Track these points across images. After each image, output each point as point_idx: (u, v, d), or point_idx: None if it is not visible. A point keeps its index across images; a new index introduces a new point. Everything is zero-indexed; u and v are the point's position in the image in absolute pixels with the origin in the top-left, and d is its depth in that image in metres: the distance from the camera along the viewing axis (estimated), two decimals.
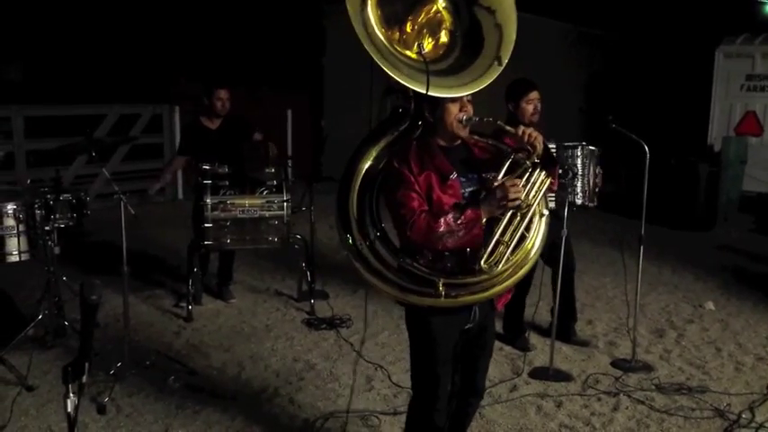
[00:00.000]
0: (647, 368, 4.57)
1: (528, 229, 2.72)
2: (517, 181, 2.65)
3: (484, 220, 2.62)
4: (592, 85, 12.11)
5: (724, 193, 9.21)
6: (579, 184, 4.57)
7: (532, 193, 2.71)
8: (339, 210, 2.79)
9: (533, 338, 4.98)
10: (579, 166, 4.56)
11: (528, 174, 2.72)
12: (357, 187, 2.77)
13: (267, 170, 5.41)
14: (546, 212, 2.80)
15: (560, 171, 4.25)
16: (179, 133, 9.75)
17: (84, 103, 10.28)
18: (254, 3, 12.68)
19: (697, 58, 10.57)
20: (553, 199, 4.33)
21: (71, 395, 2.02)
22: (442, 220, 2.57)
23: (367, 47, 2.48)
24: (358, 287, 6.03)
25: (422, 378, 2.88)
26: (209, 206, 5.18)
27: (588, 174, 4.60)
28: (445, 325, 2.76)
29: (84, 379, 2.05)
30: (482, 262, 2.63)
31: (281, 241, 5.42)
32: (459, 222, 2.58)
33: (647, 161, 4.42)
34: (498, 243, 2.65)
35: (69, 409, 2.02)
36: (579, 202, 4.58)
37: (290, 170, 5.71)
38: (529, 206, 2.69)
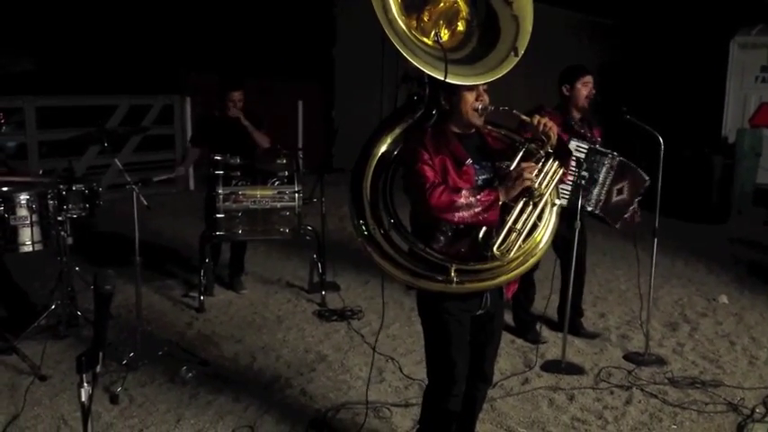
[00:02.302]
0: (660, 362, 4.54)
1: (539, 218, 2.76)
2: (533, 165, 2.70)
3: (501, 201, 2.65)
4: (604, 75, 12.00)
5: (738, 186, 9.14)
6: (595, 191, 4.45)
7: (545, 181, 2.75)
8: (352, 194, 2.81)
9: (545, 331, 4.96)
10: (602, 174, 4.43)
11: (541, 163, 2.76)
12: (371, 172, 2.79)
13: (279, 161, 5.40)
14: (558, 203, 2.85)
15: (584, 174, 4.23)
16: (190, 124, 9.78)
17: (95, 94, 10.31)
18: None
19: (711, 48, 10.45)
20: (567, 197, 4.31)
21: (85, 384, 2.02)
22: (463, 191, 2.61)
23: (388, 32, 2.50)
24: (369, 279, 6.03)
25: (437, 364, 2.91)
26: (222, 197, 5.18)
27: (608, 185, 4.46)
28: (458, 310, 2.79)
29: (99, 369, 2.05)
30: (494, 248, 2.67)
31: (293, 232, 5.43)
32: (477, 198, 2.61)
33: (662, 153, 4.38)
34: (510, 230, 2.70)
35: (83, 399, 2.02)
36: (590, 208, 4.48)
37: (300, 161, 5.70)
38: (541, 195, 2.73)
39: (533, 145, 2.77)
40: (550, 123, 2.73)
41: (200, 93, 9.79)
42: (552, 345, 4.77)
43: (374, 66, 10.80)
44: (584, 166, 4.27)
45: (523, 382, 4.22)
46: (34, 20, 13.10)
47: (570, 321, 4.62)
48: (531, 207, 2.72)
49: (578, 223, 4.26)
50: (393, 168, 2.85)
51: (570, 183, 4.27)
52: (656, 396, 4.06)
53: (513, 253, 2.70)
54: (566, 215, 4.28)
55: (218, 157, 5.20)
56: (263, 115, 5.75)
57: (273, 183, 5.36)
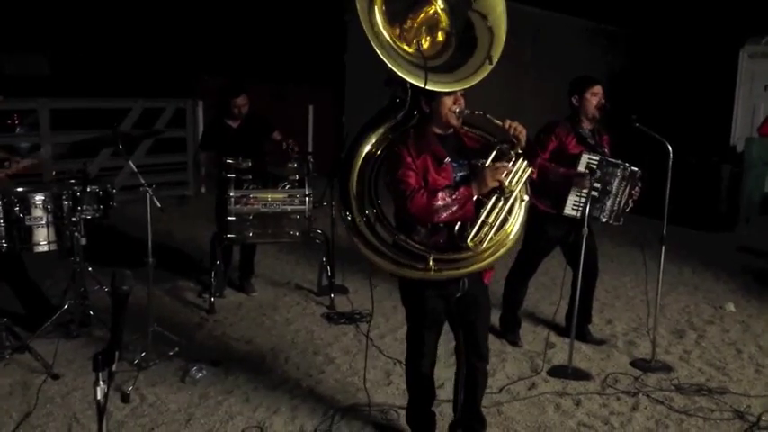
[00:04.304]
0: (667, 368, 4.56)
1: (510, 212, 3.02)
2: (504, 164, 2.96)
3: (475, 197, 2.92)
4: (612, 83, 11.98)
5: (746, 195, 9.13)
6: (609, 203, 4.52)
7: (515, 179, 3.01)
8: (340, 189, 3.08)
9: (553, 337, 4.99)
10: (615, 185, 4.50)
11: (512, 162, 3.01)
12: (357, 168, 3.06)
13: (290, 165, 5.46)
14: (526, 198, 3.10)
15: (596, 185, 4.28)
16: (202, 128, 9.85)
17: (109, 97, 10.40)
18: None
19: (721, 57, 10.45)
20: (578, 208, 4.36)
21: (101, 383, 2.08)
22: (439, 194, 2.88)
23: (373, 43, 2.73)
24: (377, 282, 6.06)
25: (412, 339, 3.33)
26: (233, 200, 5.24)
27: (621, 195, 4.54)
28: (436, 295, 3.12)
29: (114, 367, 2.10)
30: (468, 240, 2.94)
31: (303, 236, 5.48)
32: (453, 198, 2.87)
33: (670, 161, 4.40)
34: (483, 224, 2.96)
35: (99, 397, 2.08)
36: (604, 219, 4.55)
37: (311, 165, 5.76)
38: (512, 191, 2.98)
39: (505, 145, 3.01)
40: (520, 127, 2.96)
41: (212, 97, 9.85)
42: (559, 350, 4.80)
43: (384, 72, 10.83)
44: (597, 174, 4.31)
45: (530, 387, 4.25)
46: (49, 23, 13.22)
47: (578, 327, 4.65)
48: (501, 202, 2.97)
49: (585, 230, 4.29)
50: (378, 165, 3.09)
51: (584, 194, 4.32)
52: (662, 402, 4.09)
53: (485, 244, 2.97)
54: (578, 225, 4.33)
55: (230, 161, 5.25)
56: (270, 119, 5.80)
57: (284, 186, 5.41)
